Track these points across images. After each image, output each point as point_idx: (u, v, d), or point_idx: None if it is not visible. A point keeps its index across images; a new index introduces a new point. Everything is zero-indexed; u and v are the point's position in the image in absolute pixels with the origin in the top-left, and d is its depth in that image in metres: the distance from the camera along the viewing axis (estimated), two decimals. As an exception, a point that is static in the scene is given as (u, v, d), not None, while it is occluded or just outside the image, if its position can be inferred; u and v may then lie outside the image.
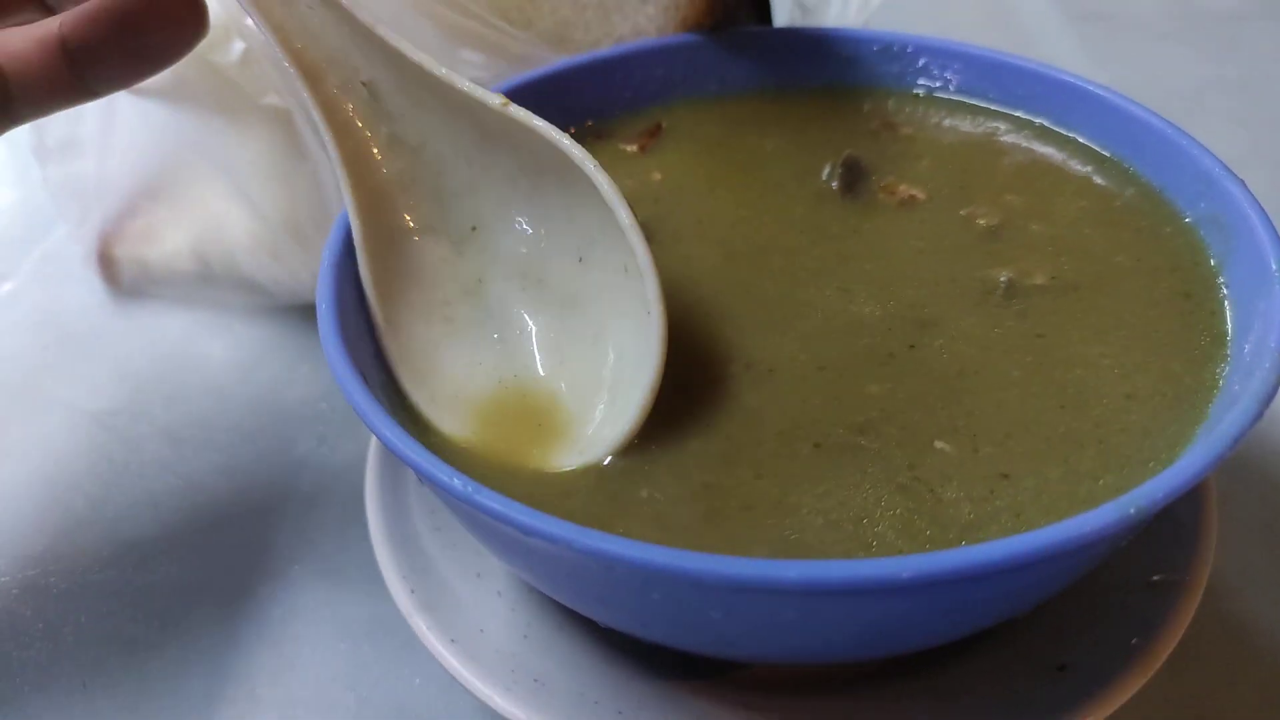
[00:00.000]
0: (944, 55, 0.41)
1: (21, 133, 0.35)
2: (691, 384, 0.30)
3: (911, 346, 0.31)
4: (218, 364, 0.50)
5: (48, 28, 0.30)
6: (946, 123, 0.40)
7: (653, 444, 0.28)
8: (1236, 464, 0.41)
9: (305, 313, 0.51)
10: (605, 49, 0.43)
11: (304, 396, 0.47)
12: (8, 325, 0.53)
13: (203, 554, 0.41)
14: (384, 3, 0.41)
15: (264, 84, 0.46)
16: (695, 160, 0.41)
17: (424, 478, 0.25)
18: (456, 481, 0.25)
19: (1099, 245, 0.34)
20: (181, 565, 0.40)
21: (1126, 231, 0.34)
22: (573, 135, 0.40)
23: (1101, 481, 0.26)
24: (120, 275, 0.54)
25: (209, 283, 0.52)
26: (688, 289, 0.33)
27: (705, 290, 0.33)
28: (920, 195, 0.37)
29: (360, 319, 0.31)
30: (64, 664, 0.36)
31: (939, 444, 0.28)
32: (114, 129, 0.51)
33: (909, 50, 0.42)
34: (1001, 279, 0.33)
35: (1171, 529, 0.33)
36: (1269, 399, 0.25)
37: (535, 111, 0.41)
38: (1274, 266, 0.29)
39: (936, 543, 0.25)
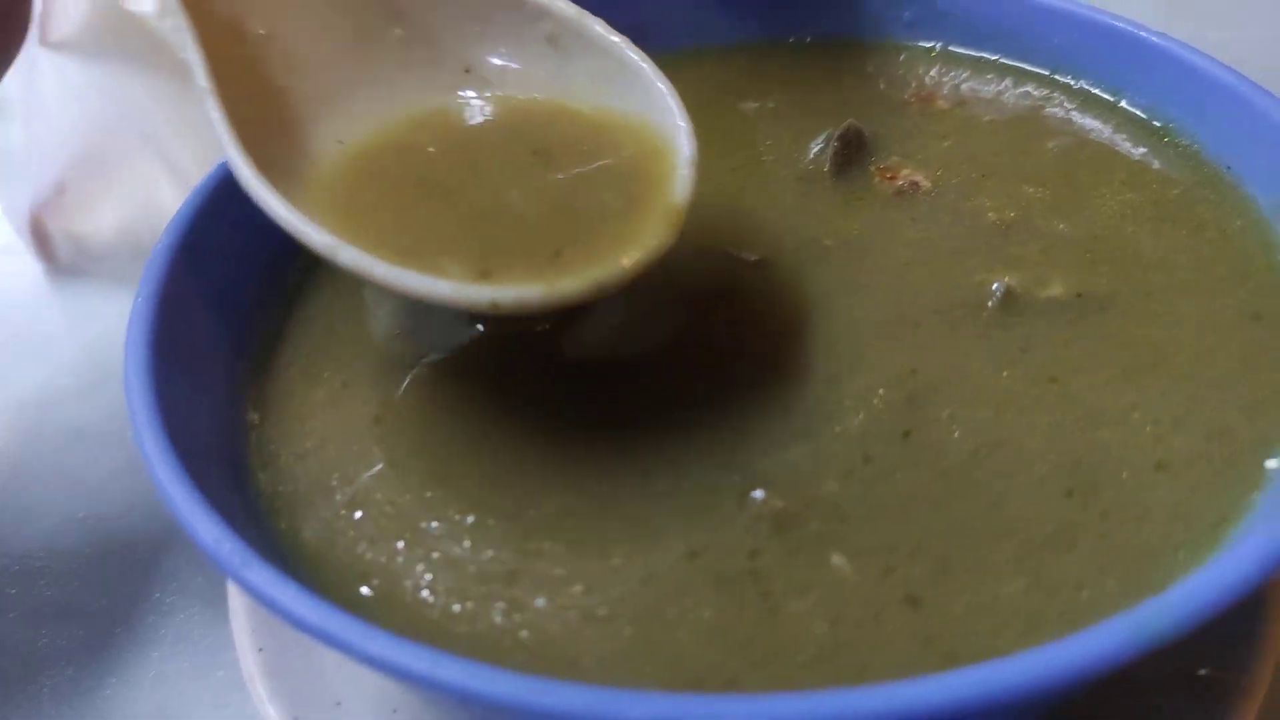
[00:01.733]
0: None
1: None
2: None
3: (906, 434, 0.23)
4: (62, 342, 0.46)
5: None
6: (972, 88, 0.33)
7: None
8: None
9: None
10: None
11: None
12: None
13: (88, 574, 0.36)
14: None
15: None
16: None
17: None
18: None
19: (1146, 248, 0.26)
20: (67, 584, 0.36)
21: (1184, 230, 0.27)
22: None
23: (1085, 594, 0.19)
24: (54, 250, 0.50)
25: (144, 257, 0.47)
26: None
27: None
28: (924, 182, 0.29)
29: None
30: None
31: (836, 559, 0.20)
32: (37, 91, 0.46)
33: (927, -8, 0.34)
34: (995, 288, 0.25)
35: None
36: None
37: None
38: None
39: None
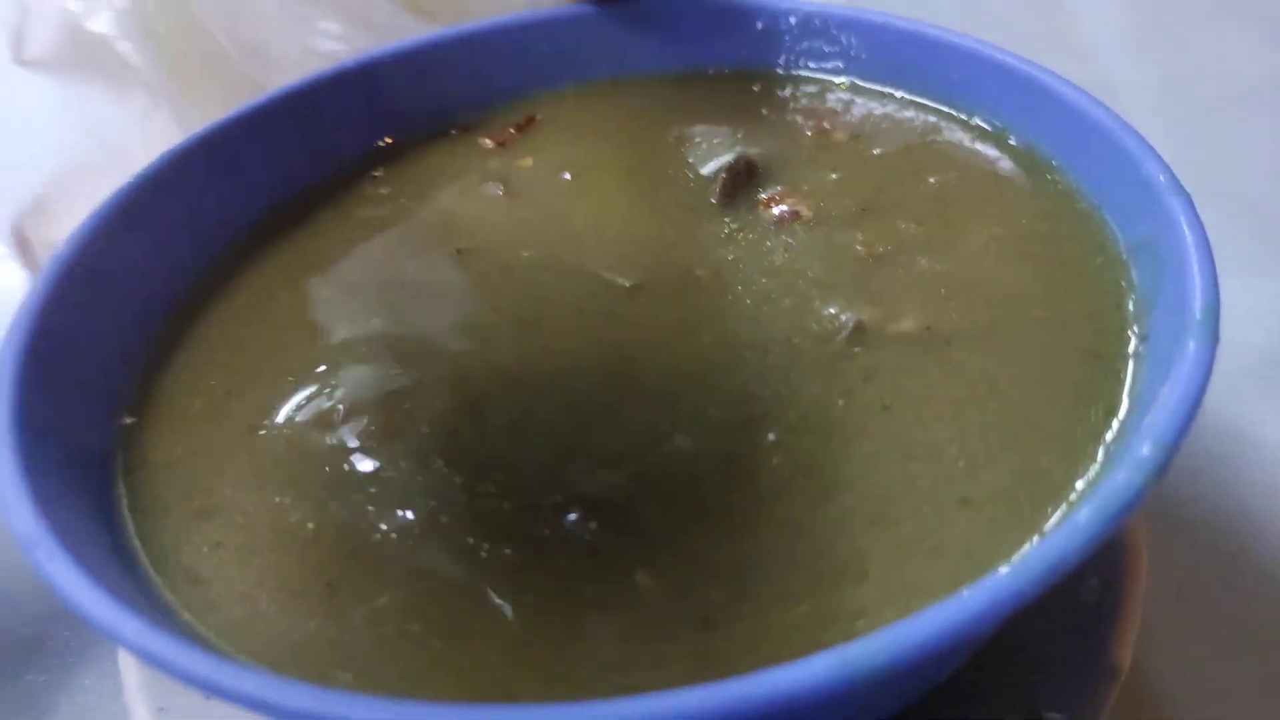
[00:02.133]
0: (868, 31, 0.34)
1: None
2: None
3: (731, 458, 0.23)
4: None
5: None
6: (871, 122, 0.33)
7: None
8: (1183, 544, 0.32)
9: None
10: (480, 21, 0.37)
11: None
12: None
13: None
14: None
15: (150, 53, 0.42)
16: (568, 156, 0.35)
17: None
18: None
19: (1004, 284, 0.27)
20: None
21: (1047, 266, 0.27)
22: (439, 133, 0.36)
23: (860, 623, 0.19)
24: (35, 257, 0.52)
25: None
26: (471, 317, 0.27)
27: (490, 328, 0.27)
28: (805, 212, 0.30)
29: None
30: None
31: (640, 575, 0.21)
32: (16, 108, 0.48)
33: (832, 25, 0.35)
34: (844, 319, 0.25)
35: (1076, 637, 0.25)
36: (1116, 513, 0.18)
37: (404, 95, 0.36)
38: (1197, 311, 0.21)
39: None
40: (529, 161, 0.34)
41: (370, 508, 0.24)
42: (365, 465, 0.24)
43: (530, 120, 0.36)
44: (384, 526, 0.23)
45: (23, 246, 0.52)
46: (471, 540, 0.22)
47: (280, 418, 0.26)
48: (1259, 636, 0.30)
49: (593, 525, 0.22)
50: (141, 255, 0.30)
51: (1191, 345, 0.21)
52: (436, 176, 0.35)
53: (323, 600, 0.22)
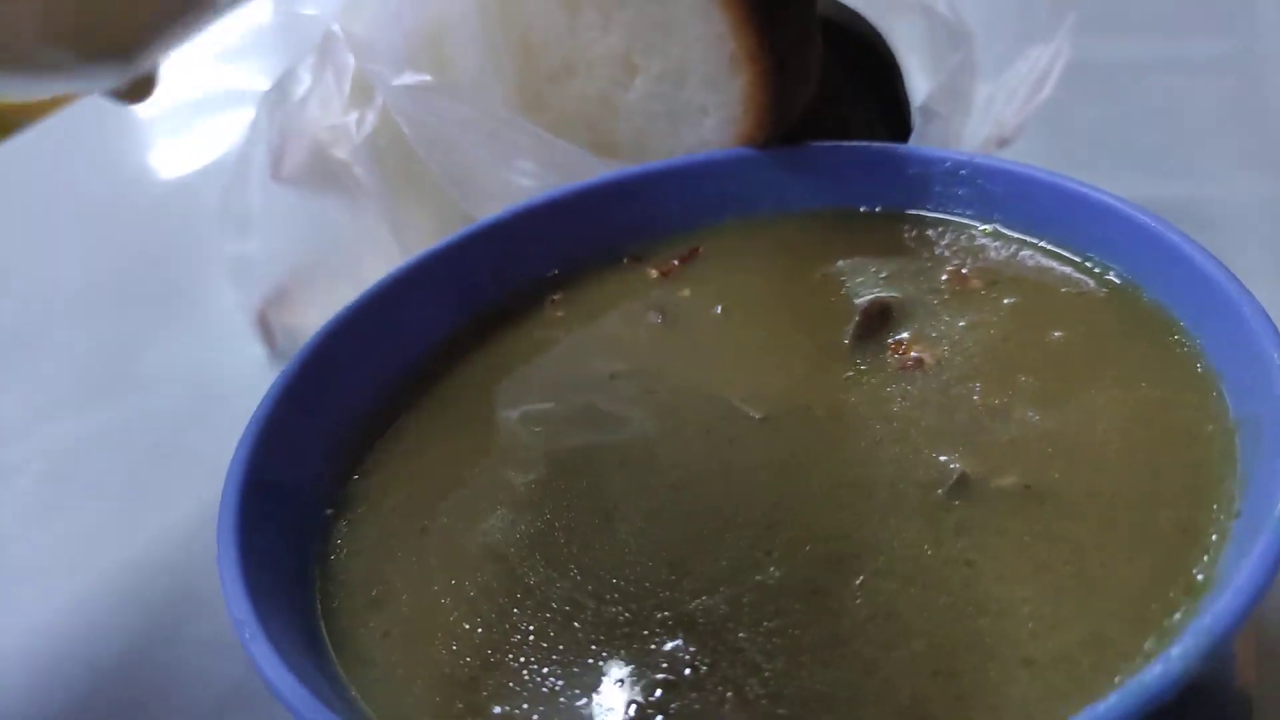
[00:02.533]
0: (1011, 181, 0.36)
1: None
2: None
3: (815, 592, 0.26)
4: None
5: None
6: (1008, 271, 0.35)
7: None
8: None
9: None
10: (652, 163, 0.41)
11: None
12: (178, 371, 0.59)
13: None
14: (433, 113, 0.42)
15: (379, 177, 0.49)
16: (722, 288, 0.38)
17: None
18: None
19: (1115, 447, 0.28)
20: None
21: (1155, 433, 0.28)
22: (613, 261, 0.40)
23: None
24: (275, 338, 0.60)
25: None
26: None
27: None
28: (929, 360, 0.32)
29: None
30: None
31: (728, 706, 0.23)
32: (270, 213, 0.57)
33: (978, 175, 0.37)
34: (950, 470, 0.27)
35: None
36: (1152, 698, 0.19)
37: (586, 227, 0.41)
38: (1277, 505, 0.22)
39: None
40: (687, 292, 0.38)
41: (515, 610, 0.27)
42: (510, 569, 0.28)
43: (694, 252, 0.40)
44: (523, 626, 0.27)
45: (265, 329, 0.60)
46: (593, 647, 0.26)
47: (445, 521, 0.31)
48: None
49: (692, 648, 0.25)
50: (358, 363, 0.36)
51: (1262, 539, 0.21)
52: (606, 303, 0.39)
53: (467, 690, 0.26)
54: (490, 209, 0.41)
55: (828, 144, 0.40)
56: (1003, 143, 0.49)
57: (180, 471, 0.51)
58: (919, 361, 0.32)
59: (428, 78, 0.41)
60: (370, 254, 0.54)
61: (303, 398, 0.33)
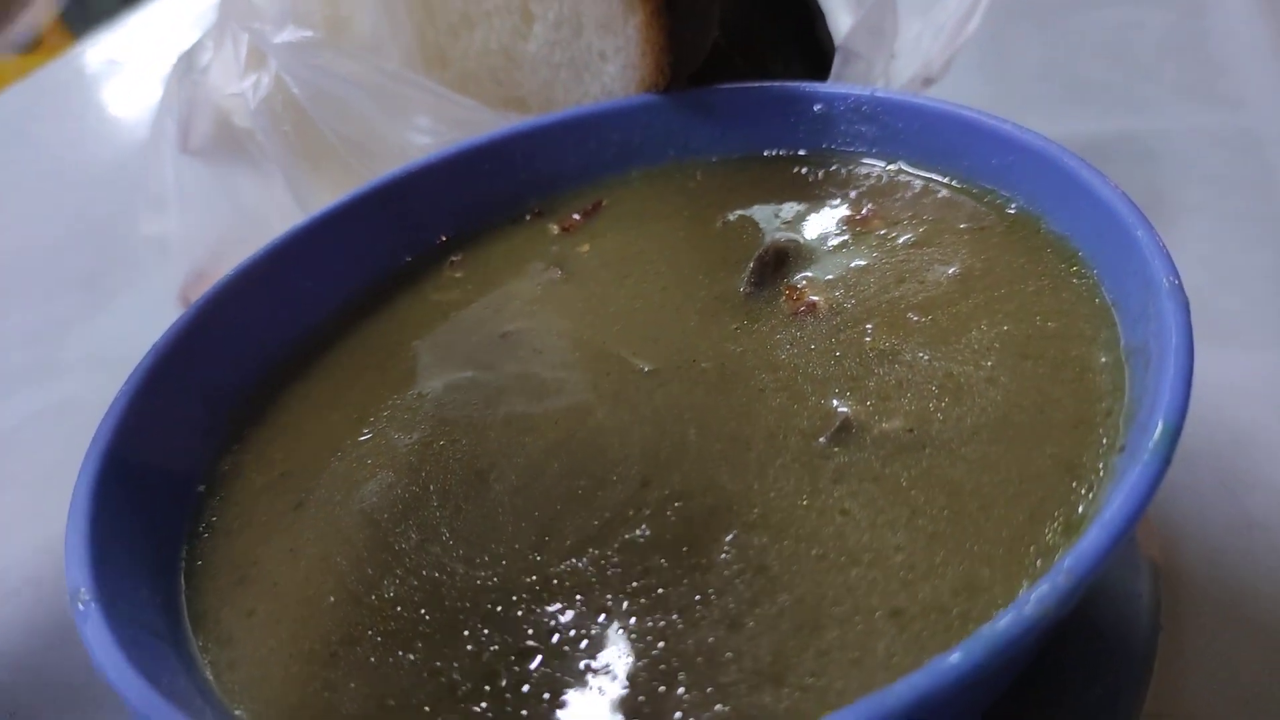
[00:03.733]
0: (913, 114, 0.34)
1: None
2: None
3: (687, 549, 0.24)
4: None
5: None
6: (910, 210, 0.33)
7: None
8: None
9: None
10: (551, 114, 0.40)
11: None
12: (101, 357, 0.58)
13: None
14: (325, 71, 0.40)
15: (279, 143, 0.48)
16: (622, 242, 0.37)
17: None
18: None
19: (1002, 384, 0.26)
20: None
21: (1044, 368, 0.26)
22: (515, 218, 0.39)
23: None
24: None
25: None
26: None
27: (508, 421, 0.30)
28: (822, 304, 0.30)
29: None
30: None
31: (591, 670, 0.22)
32: (189, 190, 0.55)
33: (881, 110, 0.35)
34: (841, 413, 0.26)
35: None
36: (1012, 637, 0.18)
37: (486, 184, 0.40)
38: (1156, 430, 0.21)
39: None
40: (586, 248, 0.37)
41: (384, 581, 0.26)
42: (382, 536, 0.27)
43: (597, 205, 0.39)
44: (389, 596, 0.26)
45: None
46: (461, 617, 0.25)
47: (321, 494, 0.29)
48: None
49: (556, 613, 0.24)
50: (242, 334, 0.34)
51: (1136, 471, 0.20)
52: (506, 262, 0.37)
53: (324, 666, 0.25)
54: (386, 170, 0.40)
55: (730, 86, 0.38)
56: (928, 82, 0.47)
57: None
58: (812, 306, 0.30)
59: (310, 33, 0.39)
60: (280, 223, 0.53)
61: (177, 373, 0.32)
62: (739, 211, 0.36)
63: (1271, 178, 0.51)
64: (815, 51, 0.47)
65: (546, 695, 0.22)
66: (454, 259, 0.38)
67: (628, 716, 0.21)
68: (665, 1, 0.36)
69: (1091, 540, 0.19)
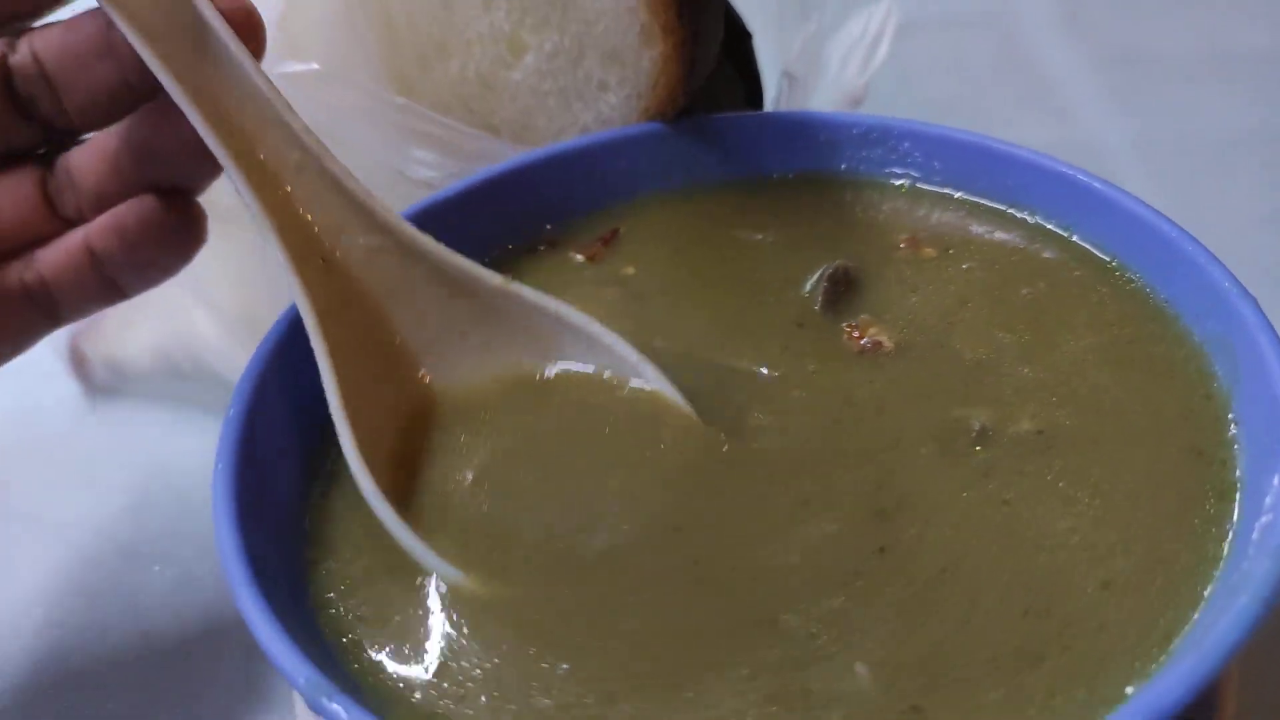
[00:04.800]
0: (929, 142, 0.37)
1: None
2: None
3: (882, 550, 0.27)
4: (186, 467, 0.48)
5: (75, 239, 0.33)
6: (942, 225, 0.36)
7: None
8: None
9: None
10: (561, 142, 0.40)
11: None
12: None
13: (151, 688, 0.39)
14: (321, 103, 0.38)
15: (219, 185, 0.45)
16: (663, 263, 0.38)
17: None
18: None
19: (1106, 390, 0.30)
20: (130, 698, 0.39)
21: (1137, 372, 0.30)
22: (526, 244, 0.38)
23: (1058, 700, 0.22)
24: (92, 373, 0.54)
25: (180, 379, 0.51)
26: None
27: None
28: (887, 344, 0.33)
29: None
30: None
31: (859, 668, 0.24)
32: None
33: (893, 135, 0.38)
34: (973, 422, 0.29)
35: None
36: (1276, 587, 0.21)
37: (492, 214, 0.39)
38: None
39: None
40: (631, 270, 0.37)
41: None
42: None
43: (614, 233, 0.39)
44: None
45: (79, 363, 0.53)
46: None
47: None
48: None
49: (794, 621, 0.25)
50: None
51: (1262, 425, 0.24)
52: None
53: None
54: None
55: (733, 115, 0.41)
56: (856, 102, 0.51)
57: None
58: (878, 345, 0.33)
59: (315, 65, 0.37)
60: (212, 264, 0.49)
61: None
62: (762, 234, 0.38)
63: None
64: (752, 76, 0.50)
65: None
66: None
67: (911, 712, 0.23)
68: (693, 32, 0.37)
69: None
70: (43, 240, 0.34)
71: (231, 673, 0.39)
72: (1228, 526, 0.25)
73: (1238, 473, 0.26)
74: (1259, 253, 0.52)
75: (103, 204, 0.33)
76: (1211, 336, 0.30)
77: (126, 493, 0.47)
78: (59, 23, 0.33)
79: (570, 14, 0.39)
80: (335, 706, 0.22)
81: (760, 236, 0.38)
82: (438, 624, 0.26)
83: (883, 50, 0.52)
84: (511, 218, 0.39)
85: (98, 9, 0.31)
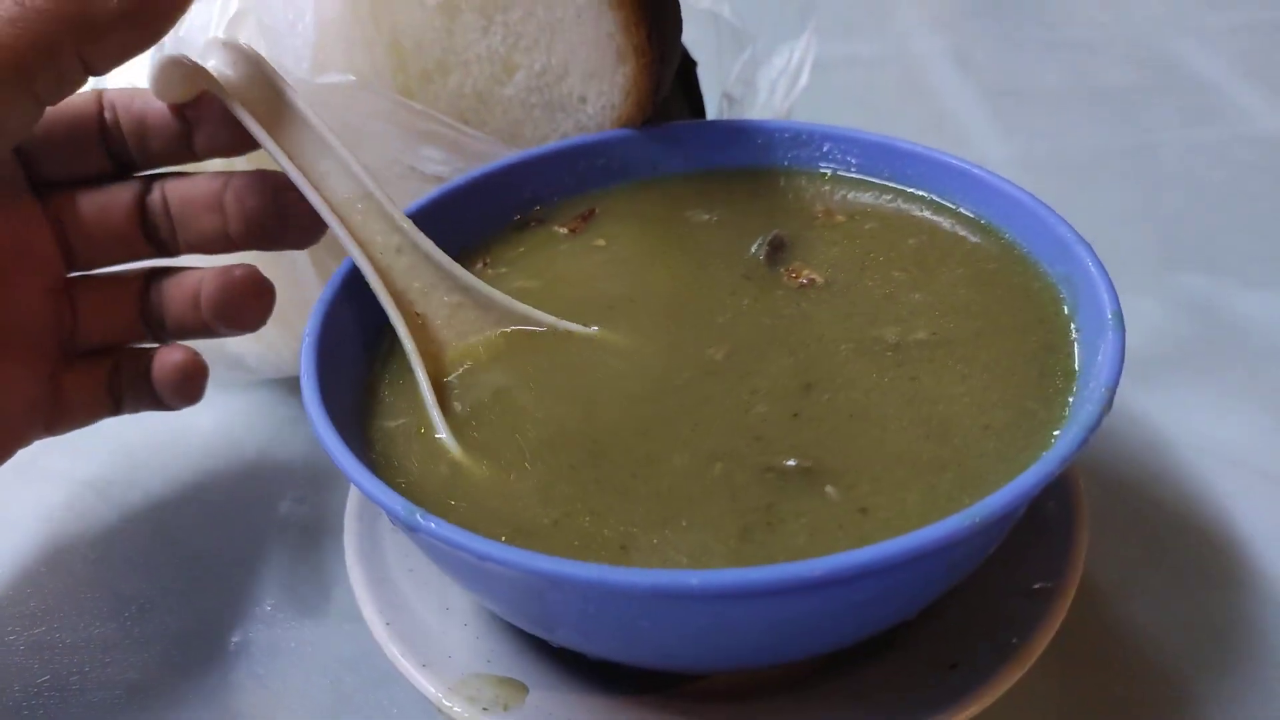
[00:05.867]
0: (844, 141, 0.47)
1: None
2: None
3: (807, 388, 0.36)
4: (206, 434, 0.54)
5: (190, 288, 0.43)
6: (860, 204, 0.46)
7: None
8: (1113, 480, 0.46)
9: (286, 385, 0.56)
10: (550, 144, 0.48)
11: (286, 462, 0.52)
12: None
13: (195, 604, 0.45)
14: (351, 108, 0.46)
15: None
16: (632, 235, 0.46)
17: (369, 497, 0.31)
18: (398, 505, 0.30)
19: (976, 304, 0.40)
20: (175, 615, 0.44)
21: (1001, 290, 0.40)
22: (518, 221, 0.47)
23: (965, 499, 0.31)
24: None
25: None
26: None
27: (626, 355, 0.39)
28: (818, 279, 0.42)
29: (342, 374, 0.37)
30: (72, 711, 0.40)
31: (828, 489, 0.33)
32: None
33: (816, 137, 0.48)
34: (891, 338, 0.38)
35: (1049, 541, 0.38)
36: (1093, 426, 0.31)
37: (492, 199, 0.47)
38: (1109, 315, 0.35)
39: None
40: (602, 241, 0.46)
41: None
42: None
43: (590, 212, 0.48)
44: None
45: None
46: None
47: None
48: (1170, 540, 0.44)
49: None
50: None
51: (1110, 335, 0.34)
52: (533, 257, 0.46)
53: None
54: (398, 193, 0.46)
55: (691, 122, 0.50)
56: (783, 122, 0.61)
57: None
58: (811, 280, 0.42)
59: (351, 77, 0.45)
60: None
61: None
62: (722, 212, 0.47)
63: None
64: (697, 97, 0.59)
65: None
66: (485, 260, 0.46)
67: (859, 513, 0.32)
68: (661, 53, 0.46)
69: (1107, 372, 0.32)
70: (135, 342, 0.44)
71: (270, 591, 0.45)
72: (1069, 396, 0.35)
73: (1076, 363, 0.36)
74: (1117, 242, 0.63)
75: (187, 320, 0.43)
76: (1060, 274, 0.39)
77: (154, 454, 0.53)
78: (187, 175, 0.42)
79: (557, 38, 0.48)
80: (431, 524, 0.30)
81: (711, 216, 0.47)
82: (444, 472, 0.35)
83: (803, 79, 0.62)
84: (508, 202, 0.48)
85: (217, 174, 0.42)
